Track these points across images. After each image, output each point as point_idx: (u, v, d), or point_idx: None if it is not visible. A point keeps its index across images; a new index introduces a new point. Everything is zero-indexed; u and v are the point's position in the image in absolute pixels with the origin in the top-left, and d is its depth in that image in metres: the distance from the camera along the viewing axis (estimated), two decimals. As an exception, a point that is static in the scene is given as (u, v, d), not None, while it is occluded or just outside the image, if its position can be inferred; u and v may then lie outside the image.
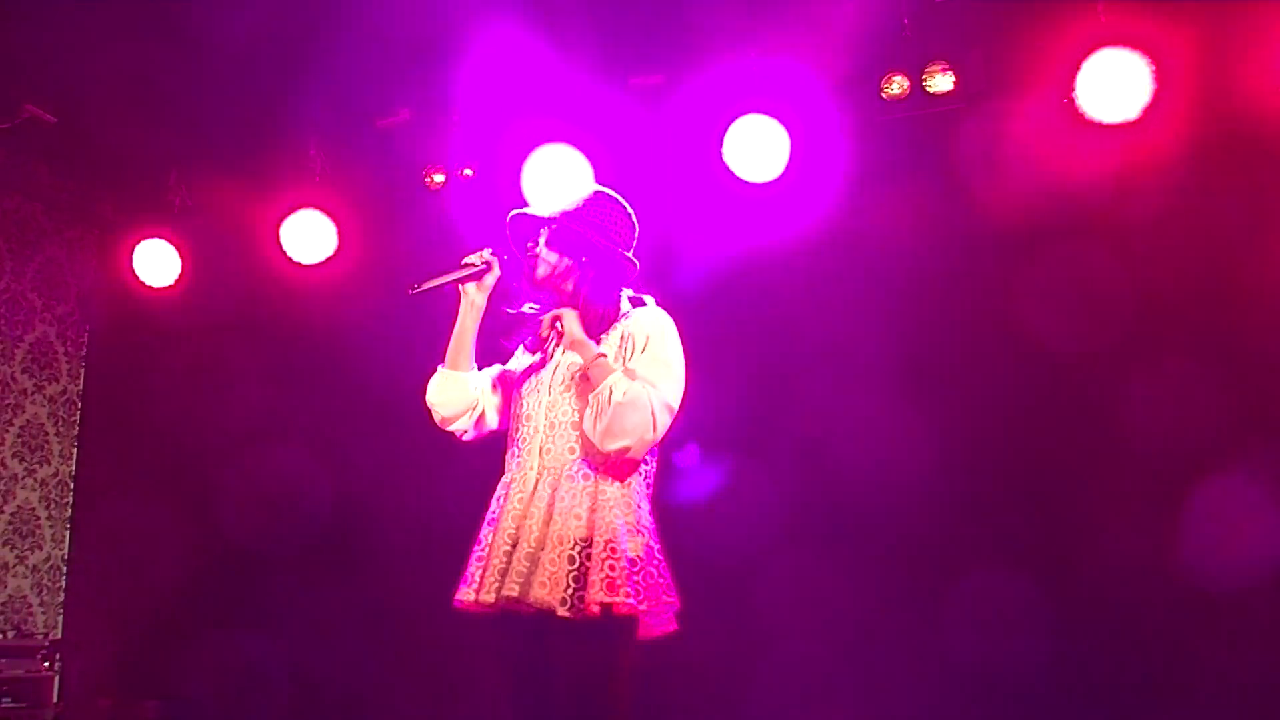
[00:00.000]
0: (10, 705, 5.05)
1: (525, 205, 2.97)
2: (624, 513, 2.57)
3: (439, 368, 2.85)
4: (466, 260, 2.79)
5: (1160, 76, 4.13)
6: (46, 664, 5.31)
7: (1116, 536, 4.26)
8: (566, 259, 2.79)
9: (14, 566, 5.86)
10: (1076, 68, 4.22)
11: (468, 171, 5.27)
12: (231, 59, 4.83)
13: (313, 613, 5.49)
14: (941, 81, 4.50)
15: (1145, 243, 4.40)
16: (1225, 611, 4.08)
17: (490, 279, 2.80)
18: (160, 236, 5.69)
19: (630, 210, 2.88)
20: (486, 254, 2.81)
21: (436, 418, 2.85)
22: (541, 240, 2.82)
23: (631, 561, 2.51)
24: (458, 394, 2.82)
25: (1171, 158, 4.28)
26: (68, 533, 6.18)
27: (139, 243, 5.69)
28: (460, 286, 2.79)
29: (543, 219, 2.85)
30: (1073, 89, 4.24)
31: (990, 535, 4.50)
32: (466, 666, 5.03)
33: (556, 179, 4.71)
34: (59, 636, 5.91)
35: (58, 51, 4.88)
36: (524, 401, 2.75)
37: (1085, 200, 4.42)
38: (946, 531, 4.56)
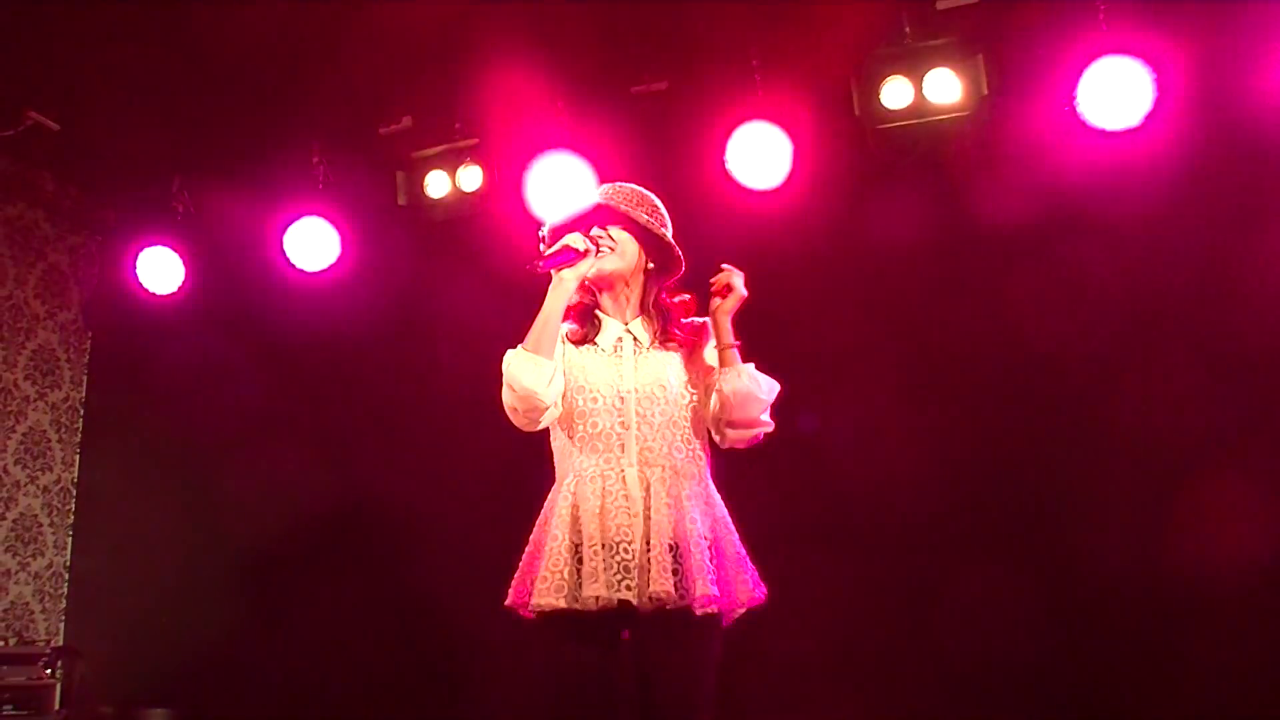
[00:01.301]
0: (12, 712, 5.03)
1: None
2: (723, 509, 2.69)
3: (521, 352, 2.61)
4: (564, 242, 2.65)
5: (1161, 83, 4.14)
6: (48, 671, 5.29)
7: (1112, 535, 4.29)
8: (644, 259, 2.78)
9: (16, 573, 5.86)
10: (1078, 74, 4.24)
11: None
12: (235, 67, 4.84)
13: (314, 619, 5.49)
14: (943, 88, 4.51)
15: (1143, 247, 4.42)
16: (1220, 609, 4.10)
17: (585, 266, 2.66)
18: (163, 244, 5.70)
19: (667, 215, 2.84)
20: (584, 239, 2.68)
21: (529, 405, 2.59)
22: (617, 234, 2.74)
23: (740, 554, 2.64)
24: (554, 381, 2.62)
25: (1170, 163, 4.30)
26: (70, 539, 6.17)
27: (142, 250, 5.70)
28: (554, 271, 2.63)
29: (610, 214, 2.75)
30: (1074, 95, 4.25)
31: (987, 534, 4.53)
32: (469, 664, 5.04)
33: (560, 187, 4.72)
34: (61, 643, 5.90)
35: (61, 59, 4.90)
36: (598, 397, 2.67)
37: (1085, 205, 4.45)
38: (944, 530, 4.58)
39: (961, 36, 4.53)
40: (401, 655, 5.37)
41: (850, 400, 4.75)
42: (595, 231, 2.73)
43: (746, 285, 2.70)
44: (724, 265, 2.72)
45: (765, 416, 2.69)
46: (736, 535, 2.68)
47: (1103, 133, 4.29)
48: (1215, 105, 4.30)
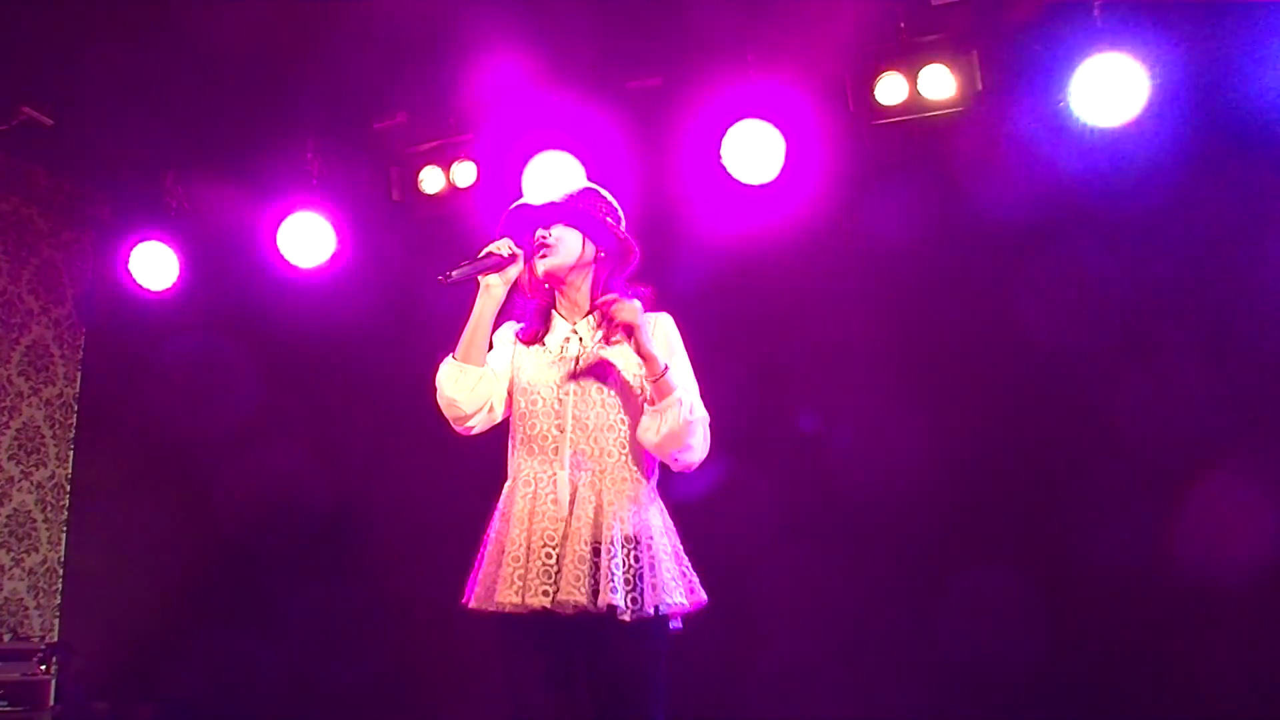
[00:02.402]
0: (7, 708, 5.03)
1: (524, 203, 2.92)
2: (661, 512, 2.64)
3: (450, 360, 2.66)
4: (490, 249, 2.66)
5: (1155, 78, 4.15)
6: (43, 667, 5.29)
7: (1112, 533, 4.28)
8: (590, 251, 2.75)
9: (10, 569, 5.85)
10: (1072, 70, 4.24)
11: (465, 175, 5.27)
12: (229, 61, 4.83)
13: (310, 614, 5.49)
14: (938, 84, 4.51)
15: (1141, 243, 4.42)
16: (1221, 609, 4.10)
17: (513, 271, 2.68)
18: (157, 239, 5.69)
19: (618, 205, 2.86)
20: (510, 244, 2.69)
21: (452, 414, 2.67)
22: (557, 230, 2.73)
23: (678, 559, 2.58)
24: (476, 389, 2.65)
25: (1166, 159, 4.29)
26: (64, 535, 6.16)
27: (136, 245, 5.69)
28: (480, 277, 2.65)
29: (551, 211, 2.75)
30: (1068, 91, 4.25)
31: (987, 532, 4.52)
32: (465, 665, 5.03)
33: (554, 182, 4.72)
34: (55, 639, 5.90)
35: (54, 54, 4.88)
36: (538, 399, 2.65)
37: (1082, 201, 4.45)
38: (944, 528, 4.57)
39: (956, 32, 4.53)
40: (398, 654, 5.37)
41: (848, 398, 4.75)
42: (539, 233, 2.73)
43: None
44: (601, 301, 2.64)
45: (688, 457, 2.60)
46: (674, 539, 2.62)
47: (1098, 127, 4.29)
48: (1211, 98, 4.30)
